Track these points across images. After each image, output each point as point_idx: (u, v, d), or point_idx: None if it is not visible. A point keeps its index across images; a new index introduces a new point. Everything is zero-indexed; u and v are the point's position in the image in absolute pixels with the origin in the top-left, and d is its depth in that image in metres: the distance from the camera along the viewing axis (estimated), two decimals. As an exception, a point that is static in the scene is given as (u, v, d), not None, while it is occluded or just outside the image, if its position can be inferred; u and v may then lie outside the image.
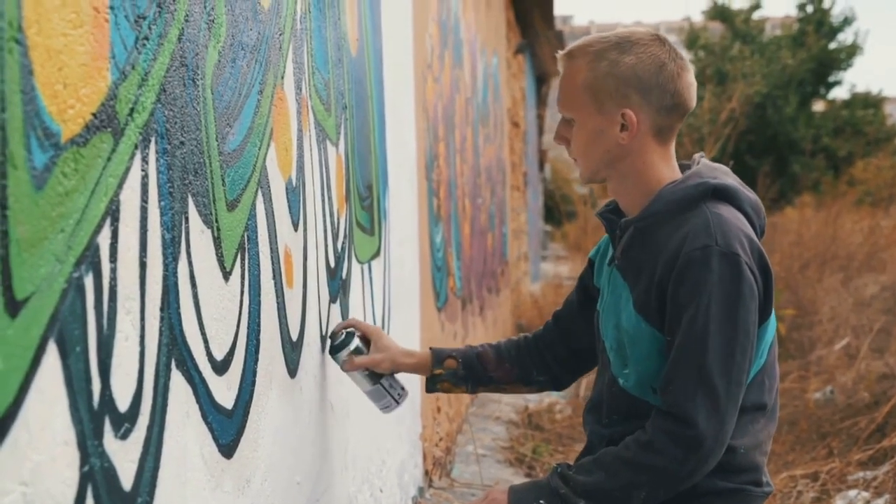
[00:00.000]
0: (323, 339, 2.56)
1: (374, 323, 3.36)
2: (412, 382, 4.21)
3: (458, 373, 2.45)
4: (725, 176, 2.09)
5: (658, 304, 1.99)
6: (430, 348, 2.50)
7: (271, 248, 2.11)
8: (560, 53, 2.11)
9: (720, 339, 1.91)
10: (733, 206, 2.04)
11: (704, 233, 1.94)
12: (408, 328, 4.12)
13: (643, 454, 1.96)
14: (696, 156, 2.16)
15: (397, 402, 2.50)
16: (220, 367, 1.77)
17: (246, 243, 1.94)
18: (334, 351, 2.47)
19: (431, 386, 2.49)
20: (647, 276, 2.02)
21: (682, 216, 2.00)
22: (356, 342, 2.44)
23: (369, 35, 3.39)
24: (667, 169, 2.07)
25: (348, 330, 2.48)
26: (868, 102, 29.06)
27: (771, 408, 2.08)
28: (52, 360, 1.17)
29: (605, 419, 2.15)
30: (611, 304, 2.13)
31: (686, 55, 2.14)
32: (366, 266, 3.23)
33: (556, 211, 23.75)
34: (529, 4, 11.59)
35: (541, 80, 17.25)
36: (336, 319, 2.74)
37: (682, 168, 2.13)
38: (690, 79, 2.06)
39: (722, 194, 2.03)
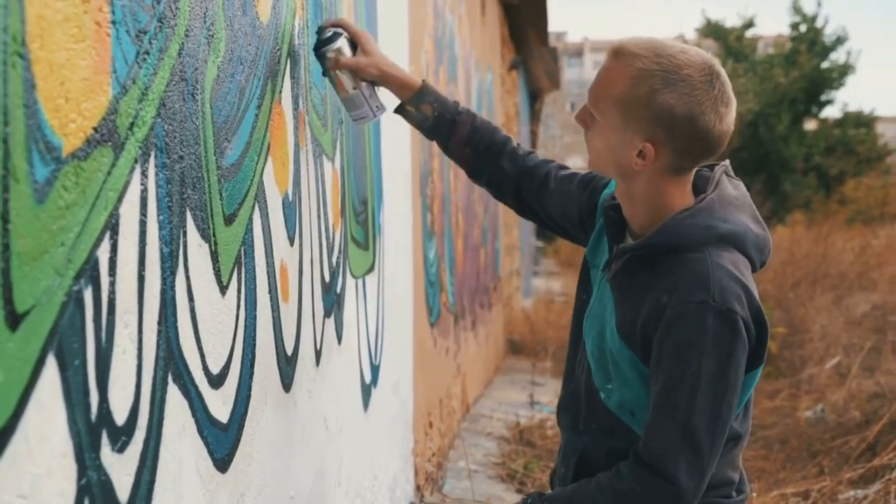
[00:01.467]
0: (317, 353, 2.56)
1: (368, 338, 3.36)
2: (401, 399, 4.21)
3: (426, 120, 2.40)
4: (738, 213, 1.99)
5: (641, 342, 1.93)
6: (423, 80, 2.43)
7: (268, 263, 2.11)
8: (612, 46, 1.97)
9: (710, 397, 1.86)
10: (738, 250, 1.95)
11: (702, 286, 1.86)
12: (401, 343, 4.13)
13: (620, 502, 1.92)
14: (719, 169, 2.05)
15: (374, 114, 2.39)
16: (216, 381, 1.77)
17: (243, 257, 1.94)
18: (320, 46, 2.33)
19: (398, 110, 2.43)
20: (633, 307, 1.96)
21: (681, 255, 1.92)
22: (342, 41, 2.32)
23: (366, 50, 3.39)
24: (679, 196, 1.98)
25: (336, 29, 2.36)
26: (860, 122, 29.18)
27: (744, 432, 2.04)
28: (51, 372, 1.17)
29: (581, 425, 2.10)
30: (598, 311, 2.07)
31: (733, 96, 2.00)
32: (360, 281, 3.23)
33: (548, 227, 23.75)
34: (524, 21, 11.63)
35: (534, 97, 17.29)
36: (331, 334, 2.75)
37: (700, 181, 2.04)
38: (726, 127, 1.93)
39: (727, 239, 1.94)
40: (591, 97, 1.99)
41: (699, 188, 2.03)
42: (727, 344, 1.86)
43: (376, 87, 2.39)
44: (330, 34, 2.33)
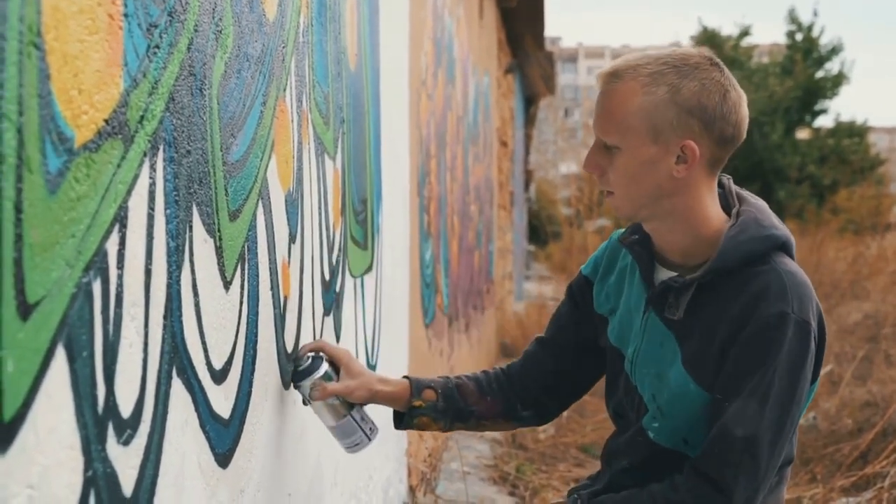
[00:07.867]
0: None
1: (365, 338, 3.36)
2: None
3: (437, 406, 2.22)
4: (772, 218, 1.95)
5: (716, 365, 1.88)
6: (406, 377, 2.27)
7: (270, 260, 2.11)
8: (601, 72, 1.90)
9: (777, 411, 1.82)
10: (787, 254, 1.93)
11: (781, 297, 1.83)
12: (397, 344, 4.13)
13: None
14: (727, 181, 2.02)
15: (369, 439, 2.24)
16: (219, 377, 1.77)
17: (246, 254, 1.94)
18: (299, 377, 2.16)
19: (407, 421, 2.26)
20: (706, 335, 1.89)
21: (747, 270, 1.87)
22: (325, 367, 2.16)
23: (367, 50, 3.40)
24: (712, 205, 1.93)
25: (315, 354, 2.21)
26: (853, 131, 29.26)
27: (793, 457, 2.00)
28: (60, 364, 1.16)
29: (636, 467, 2.04)
30: (649, 353, 1.99)
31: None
32: (358, 280, 3.23)
33: (541, 231, 23.79)
34: (521, 25, 11.65)
35: (529, 101, 17.31)
36: (329, 332, 2.75)
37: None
38: (747, 109, 1.90)
39: (785, 246, 1.92)
40: (604, 125, 1.89)
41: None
42: (800, 357, 1.83)
43: (364, 407, 2.23)
44: (309, 361, 2.18)
